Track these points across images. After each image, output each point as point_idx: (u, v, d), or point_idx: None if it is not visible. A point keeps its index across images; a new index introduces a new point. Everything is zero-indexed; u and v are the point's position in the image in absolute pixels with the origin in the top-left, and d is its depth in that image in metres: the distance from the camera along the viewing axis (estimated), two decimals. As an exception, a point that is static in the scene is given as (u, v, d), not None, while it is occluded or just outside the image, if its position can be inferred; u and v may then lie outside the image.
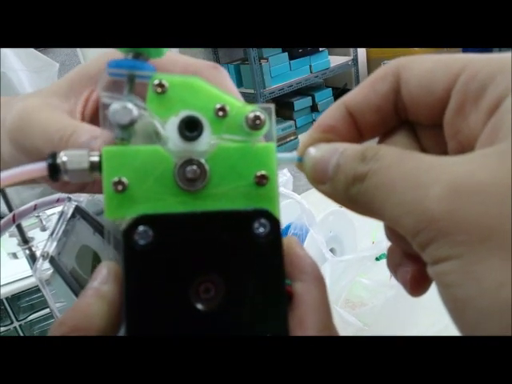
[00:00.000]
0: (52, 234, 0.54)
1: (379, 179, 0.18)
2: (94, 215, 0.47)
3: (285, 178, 0.88)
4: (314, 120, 3.26)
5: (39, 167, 0.21)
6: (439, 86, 0.19)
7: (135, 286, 0.19)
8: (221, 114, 0.22)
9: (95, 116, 0.29)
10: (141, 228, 0.20)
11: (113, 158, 0.21)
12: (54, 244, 0.54)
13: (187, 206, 0.21)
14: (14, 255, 1.41)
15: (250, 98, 2.90)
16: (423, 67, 0.20)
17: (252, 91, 2.95)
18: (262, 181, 0.21)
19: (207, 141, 0.21)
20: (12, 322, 1.51)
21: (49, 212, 1.34)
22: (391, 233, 0.22)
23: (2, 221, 0.57)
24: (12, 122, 0.29)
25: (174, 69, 0.29)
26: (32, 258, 0.93)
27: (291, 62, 3.04)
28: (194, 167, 0.21)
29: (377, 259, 0.73)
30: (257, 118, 0.22)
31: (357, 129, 0.22)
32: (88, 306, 0.19)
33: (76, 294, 0.47)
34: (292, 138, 3.14)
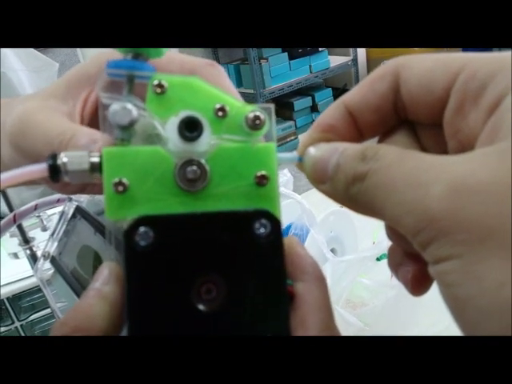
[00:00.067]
0: (53, 234, 0.54)
1: (379, 179, 0.18)
2: (94, 215, 0.48)
3: (285, 178, 0.88)
4: (313, 120, 3.24)
5: (40, 168, 0.21)
6: (439, 85, 0.19)
7: (137, 287, 0.19)
8: (220, 114, 0.22)
9: (94, 117, 0.29)
10: (142, 229, 0.20)
11: (113, 159, 0.21)
12: (55, 244, 0.54)
13: (188, 207, 0.21)
14: (15, 255, 1.41)
15: (249, 98, 2.90)
16: (422, 66, 0.20)
17: (252, 91, 2.95)
18: (262, 181, 0.21)
19: (207, 141, 0.21)
20: (13, 322, 1.51)
21: (49, 212, 1.34)
22: (392, 232, 0.22)
23: (3, 221, 0.57)
24: (12, 124, 0.29)
25: (170, 67, 0.29)
26: (33, 258, 0.93)
27: (291, 62, 3.04)
28: (195, 168, 0.21)
29: (378, 259, 0.73)
30: (257, 117, 0.22)
31: (356, 128, 0.22)
32: (90, 307, 0.19)
33: (77, 293, 0.47)
34: (292, 138, 3.14)
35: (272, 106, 0.22)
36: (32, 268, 0.89)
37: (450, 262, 0.16)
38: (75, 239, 0.51)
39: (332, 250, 0.80)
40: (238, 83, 3.05)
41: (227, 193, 0.21)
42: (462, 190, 0.16)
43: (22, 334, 1.52)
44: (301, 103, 3.23)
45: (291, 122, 3.19)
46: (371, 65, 3.41)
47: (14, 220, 0.57)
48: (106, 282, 0.20)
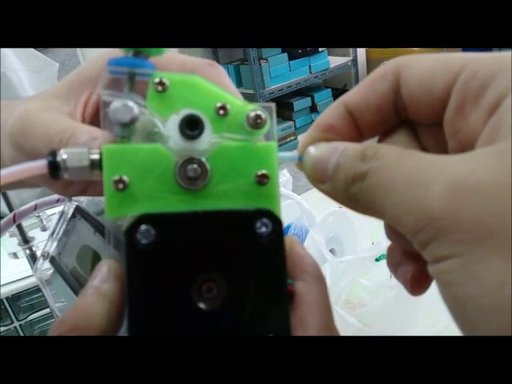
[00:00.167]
0: (52, 233, 0.54)
1: (379, 178, 0.18)
2: (94, 215, 0.47)
3: (284, 179, 0.88)
4: (313, 121, 3.22)
5: (39, 165, 0.21)
6: (439, 85, 0.19)
7: (137, 285, 0.19)
8: (222, 112, 0.22)
9: (95, 118, 0.29)
10: (143, 227, 0.20)
11: (113, 156, 0.21)
12: (55, 244, 0.54)
13: (188, 205, 0.21)
14: (15, 255, 1.41)
15: (249, 99, 2.90)
16: (423, 66, 0.20)
17: (251, 92, 2.95)
18: (262, 180, 0.21)
19: (208, 139, 0.21)
20: (12, 322, 1.51)
21: (49, 212, 1.34)
22: (391, 232, 0.23)
23: (3, 221, 0.57)
24: (13, 124, 0.29)
25: (170, 67, 0.29)
26: (32, 258, 0.93)
27: (291, 62, 3.04)
28: (195, 166, 0.21)
29: (377, 260, 0.73)
30: (258, 116, 0.22)
31: (356, 128, 0.22)
32: (88, 306, 0.19)
33: (76, 293, 0.47)
34: (291, 138, 3.14)
35: (273, 105, 0.22)
36: (31, 268, 0.89)
37: (449, 261, 0.16)
38: (75, 239, 0.51)
39: (331, 251, 0.80)
40: (238, 83, 3.05)
41: (228, 191, 0.21)
42: (462, 189, 0.16)
43: (21, 334, 1.52)
44: (300, 104, 3.23)
45: (291, 123, 3.19)
46: (371, 65, 3.41)
47: (14, 220, 0.57)
48: (104, 279, 0.20)
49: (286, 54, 3.01)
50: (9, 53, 1.69)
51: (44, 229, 1.36)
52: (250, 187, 0.22)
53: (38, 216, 1.35)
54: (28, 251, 0.93)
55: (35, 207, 0.57)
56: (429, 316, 0.70)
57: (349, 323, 0.65)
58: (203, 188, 0.21)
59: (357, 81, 3.29)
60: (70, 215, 0.52)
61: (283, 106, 3.19)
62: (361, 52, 3.37)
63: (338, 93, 3.32)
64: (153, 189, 0.21)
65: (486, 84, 0.18)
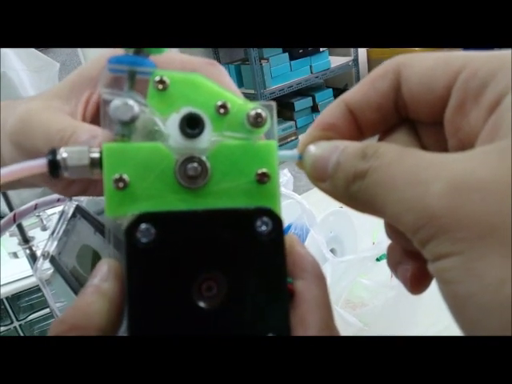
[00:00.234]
0: (52, 233, 0.54)
1: (379, 176, 0.18)
2: (94, 215, 0.47)
3: (285, 179, 0.88)
4: (314, 121, 3.25)
5: (39, 163, 0.21)
6: (440, 83, 0.19)
7: (138, 284, 0.19)
8: (222, 111, 0.22)
9: (96, 117, 0.29)
10: (143, 226, 0.20)
11: (113, 155, 0.21)
12: (55, 243, 0.54)
13: (188, 204, 0.21)
14: (15, 255, 1.41)
15: (250, 99, 2.84)
16: (423, 65, 0.20)
17: (252, 91, 2.95)
18: (263, 178, 0.21)
19: (208, 138, 0.21)
20: (12, 322, 1.51)
21: (49, 211, 1.34)
22: (391, 230, 0.23)
23: (3, 220, 0.57)
24: (13, 124, 0.29)
25: (171, 67, 0.29)
26: (32, 258, 0.93)
27: (292, 62, 3.04)
28: (195, 164, 0.21)
29: (377, 260, 0.73)
30: (258, 115, 0.22)
31: (357, 127, 0.22)
32: (88, 305, 0.19)
33: (76, 293, 0.47)
34: (292, 138, 3.14)
35: (273, 104, 0.22)
36: (31, 267, 0.89)
37: (449, 259, 0.16)
38: (75, 239, 0.51)
39: (332, 251, 0.80)
40: (239, 83, 3.05)
41: (228, 190, 0.21)
42: (462, 187, 0.16)
43: (21, 334, 1.52)
44: (301, 103, 3.23)
45: (292, 123, 3.19)
46: (372, 65, 3.40)
47: (14, 219, 0.57)
48: (104, 278, 0.20)
49: (286, 53, 3.01)
50: (9, 53, 1.69)
51: (44, 228, 1.37)
52: (251, 186, 0.21)
53: (38, 216, 1.35)
54: (28, 251, 0.93)
55: (35, 207, 0.57)
56: (429, 316, 0.70)
57: (349, 323, 0.65)
58: (203, 187, 0.21)
59: (358, 81, 3.27)
60: (70, 215, 0.52)
61: (284, 105, 3.19)
62: (362, 52, 3.37)
63: (339, 93, 3.32)
64: (153, 187, 0.21)
65: (486, 82, 0.18)
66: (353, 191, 0.19)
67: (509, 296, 0.14)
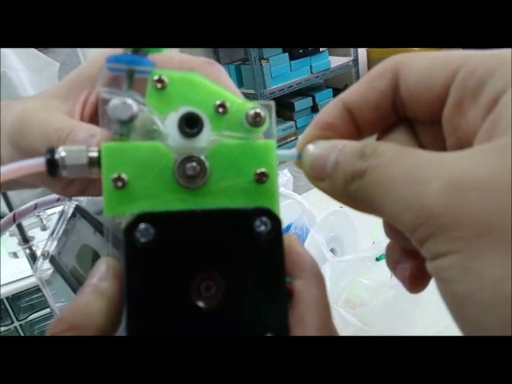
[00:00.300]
0: (52, 233, 0.54)
1: (378, 175, 0.18)
2: (94, 214, 0.47)
3: (285, 179, 0.88)
4: (313, 121, 3.24)
5: (37, 162, 0.21)
6: (438, 82, 0.19)
7: (136, 284, 0.19)
8: (221, 110, 0.22)
9: (94, 117, 0.29)
10: (142, 226, 0.20)
11: (112, 154, 0.21)
12: (55, 243, 0.54)
13: (187, 203, 0.21)
14: (15, 255, 1.41)
15: (250, 99, 2.85)
16: (422, 64, 0.20)
17: (252, 91, 2.95)
18: (261, 178, 0.21)
19: (207, 137, 0.21)
20: (12, 322, 1.51)
21: (49, 211, 1.34)
22: (390, 229, 0.23)
23: (3, 220, 0.57)
24: (11, 123, 0.29)
25: (169, 66, 0.29)
26: (32, 258, 0.93)
27: (292, 62, 3.03)
28: (194, 164, 0.21)
29: (377, 259, 0.73)
30: (257, 114, 0.22)
31: (355, 126, 0.22)
32: (87, 304, 0.19)
33: (76, 293, 0.47)
34: (292, 138, 3.13)
35: (272, 103, 0.22)
36: (31, 267, 0.89)
37: (448, 257, 0.16)
38: (75, 238, 0.51)
39: (332, 250, 0.80)
40: (239, 83, 3.05)
41: (227, 189, 0.21)
42: (460, 186, 0.16)
43: (22, 334, 1.52)
44: (301, 104, 3.23)
45: (292, 123, 3.19)
46: (372, 65, 3.38)
47: (14, 219, 0.57)
48: (103, 277, 0.20)
49: (286, 53, 3.01)
50: (9, 52, 1.69)
51: (44, 228, 1.37)
52: (249, 185, 0.21)
53: (38, 215, 1.35)
54: (28, 251, 0.93)
55: (35, 207, 0.57)
56: (429, 316, 0.70)
57: (349, 322, 0.65)
58: (202, 186, 0.21)
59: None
60: (69, 214, 0.52)
61: (284, 106, 3.19)
62: (362, 52, 3.37)
63: (338, 93, 3.26)
64: (152, 187, 0.21)
65: (484, 81, 0.18)
66: (351, 190, 0.19)
67: (508, 294, 0.14)
